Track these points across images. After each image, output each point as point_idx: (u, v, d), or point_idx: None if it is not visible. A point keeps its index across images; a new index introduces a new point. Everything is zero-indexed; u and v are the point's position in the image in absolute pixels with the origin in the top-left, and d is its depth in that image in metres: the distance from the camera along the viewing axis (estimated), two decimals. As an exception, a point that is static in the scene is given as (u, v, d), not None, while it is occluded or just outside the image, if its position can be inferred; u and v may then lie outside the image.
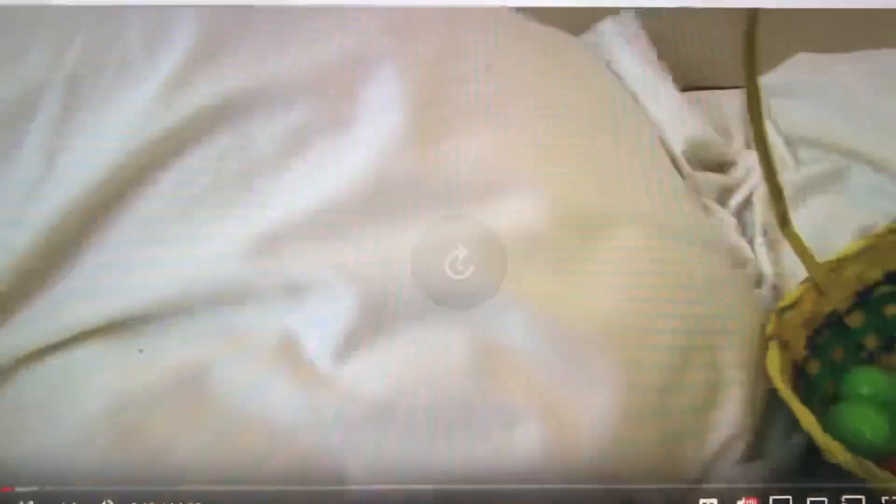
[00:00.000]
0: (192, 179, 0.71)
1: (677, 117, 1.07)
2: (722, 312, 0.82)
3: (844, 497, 0.70)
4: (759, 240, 1.00)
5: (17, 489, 0.59)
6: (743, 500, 0.70)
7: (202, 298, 0.66)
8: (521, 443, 0.63)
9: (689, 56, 1.46)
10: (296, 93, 0.73)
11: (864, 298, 0.96)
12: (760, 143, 0.81)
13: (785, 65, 1.34)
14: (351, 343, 0.64)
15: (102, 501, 0.59)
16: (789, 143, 1.18)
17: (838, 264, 0.95)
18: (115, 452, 0.61)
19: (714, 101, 1.27)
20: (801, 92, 1.25)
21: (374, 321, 0.65)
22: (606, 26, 1.22)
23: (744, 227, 1.06)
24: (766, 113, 1.24)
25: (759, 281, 0.99)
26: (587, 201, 0.77)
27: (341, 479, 0.60)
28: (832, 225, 1.03)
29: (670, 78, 1.18)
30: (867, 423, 0.79)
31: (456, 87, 0.79)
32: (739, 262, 0.98)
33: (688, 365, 0.75)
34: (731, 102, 1.27)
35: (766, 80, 1.28)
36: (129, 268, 0.67)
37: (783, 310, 0.88)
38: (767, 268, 0.99)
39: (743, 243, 1.01)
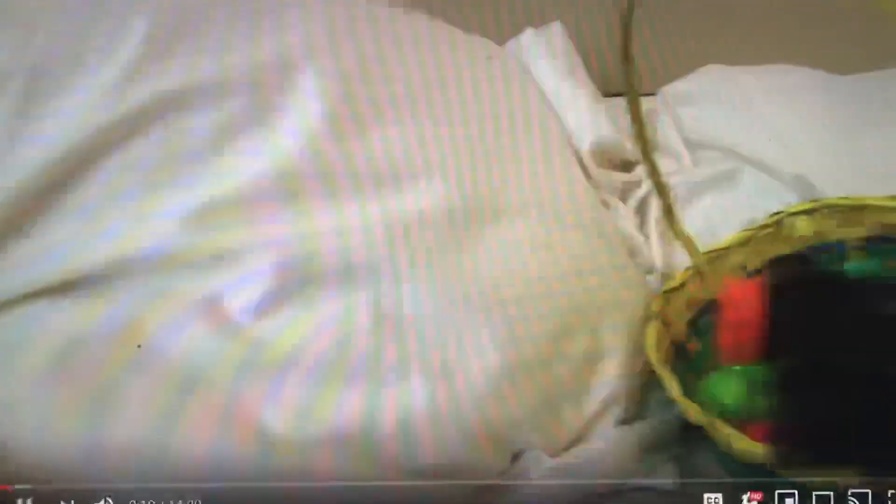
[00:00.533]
0: (136, 162, 0.81)
1: (587, 121, 1.17)
2: (605, 292, 0.93)
3: (851, 490, 0.73)
4: (652, 232, 1.11)
5: (16, 487, 0.66)
6: (748, 494, 0.73)
7: (141, 263, 0.76)
8: (411, 393, 0.73)
9: (614, 64, 1.56)
10: (229, 90, 0.83)
11: (742, 287, 1.07)
12: (642, 144, 0.92)
13: (695, 74, 1.45)
14: (267, 303, 0.74)
15: (101, 500, 0.65)
16: (690, 145, 1.29)
17: (720, 254, 1.06)
18: (63, 398, 0.70)
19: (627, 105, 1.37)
20: (704, 100, 1.36)
21: (287, 286, 0.74)
22: (527, 38, 1.32)
23: (643, 221, 1.16)
24: (672, 118, 1.37)
25: (650, 269, 1.09)
26: (486, 191, 0.87)
27: (258, 425, 0.70)
28: (722, 220, 1.14)
29: (589, 85, 1.27)
30: (728, 391, 0.89)
31: (375, 87, 0.89)
32: (633, 252, 1.09)
33: (568, 336, 0.86)
34: (645, 108, 1.38)
35: (675, 88, 1.40)
36: (79, 236, 0.77)
37: (667, 293, 1.00)
38: (658, 257, 1.09)
39: (637, 235, 1.11)
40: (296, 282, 0.75)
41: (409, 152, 0.85)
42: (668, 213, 0.99)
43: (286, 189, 0.78)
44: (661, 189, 0.96)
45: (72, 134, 0.76)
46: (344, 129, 0.83)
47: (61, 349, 0.70)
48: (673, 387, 0.83)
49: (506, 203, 0.89)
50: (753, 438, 0.81)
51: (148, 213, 0.77)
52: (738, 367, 0.92)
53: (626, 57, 0.80)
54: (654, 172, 0.94)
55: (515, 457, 0.85)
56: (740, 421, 0.86)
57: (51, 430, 0.66)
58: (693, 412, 0.81)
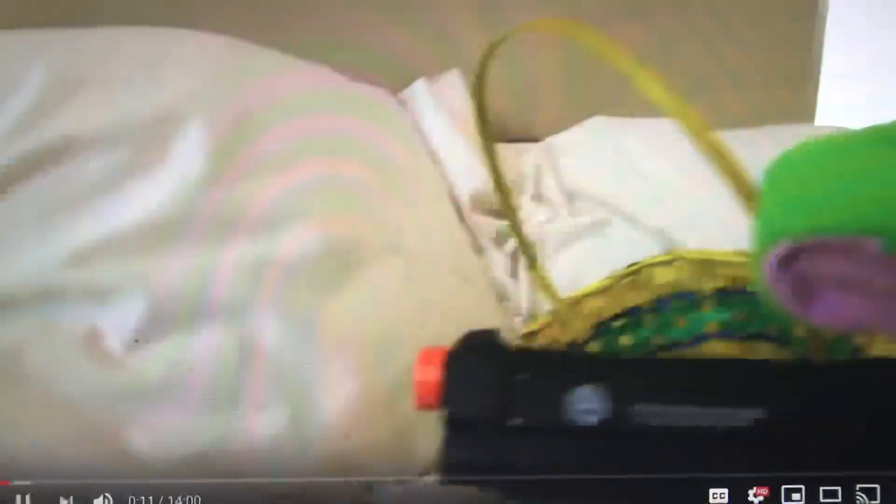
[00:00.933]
0: (27, 203, 0.88)
1: (465, 171, 1.27)
2: (462, 328, 1.02)
3: (859, 486, 0.73)
4: (521, 278, 1.21)
5: (15, 482, 0.68)
6: (754, 490, 0.73)
7: (26, 296, 0.84)
8: (269, 422, 0.82)
9: (506, 111, 1.66)
10: (117, 140, 0.90)
11: (602, 330, 1.17)
12: (503, 197, 1.01)
13: (581, 125, 1.56)
14: (140, 336, 0.83)
15: (100, 496, 0.68)
16: (568, 195, 1.39)
17: (579, 300, 1.16)
18: None
19: (516, 153, 1.48)
20: (585, 152, 1.47)
21: (159, 322, 0.82)
22: (419, 87, 1.42)
23: (515, 266, 1.26)
24: (554, 168, 1.47)
25: (518, 312, 1.19)
26: (354, 237, 0.96)
27: (125, 445, 0.78)
28: (591, 268, 1.23)
29: (471, 134, 1.37)
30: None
31: (255, 139, 0.96)
32: (503, 296, 1.19)
33: (423, 372, 0.94)
34: (530, 155, 1.48)
35: (560, 139, 1.50)
36: None
37: (527, 335, 1.09)
38: (525, 301, 1.19)
39: (508, 279, 1.21)
40: (167, 318, 0.82)
41: (282, 201, 0.92)
42: (531, 262, 1.09)
43: (162, 233, 0.85)
44: (520, 238, 1.05)
45: None
46: (221, 179, 0.90)
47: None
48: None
49: (372, 248, 0.97)
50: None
51: (35, 250, 0.84)
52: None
53: (482, 117, 0.88)
54: (512, 220, 1.03)
55: (370, 485, 0.93)
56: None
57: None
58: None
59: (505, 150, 1.38)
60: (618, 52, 0.61)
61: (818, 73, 2.05)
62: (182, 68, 1.00)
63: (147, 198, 0.87)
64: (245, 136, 0.96)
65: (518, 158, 1.47)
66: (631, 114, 1.65)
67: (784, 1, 1.85)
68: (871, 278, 0.46)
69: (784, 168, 0.48)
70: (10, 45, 0.97)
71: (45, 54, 0.95)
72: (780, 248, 0.45)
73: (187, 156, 0.90)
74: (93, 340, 0.81)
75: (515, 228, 1.00)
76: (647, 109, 1.40)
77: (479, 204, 1.24)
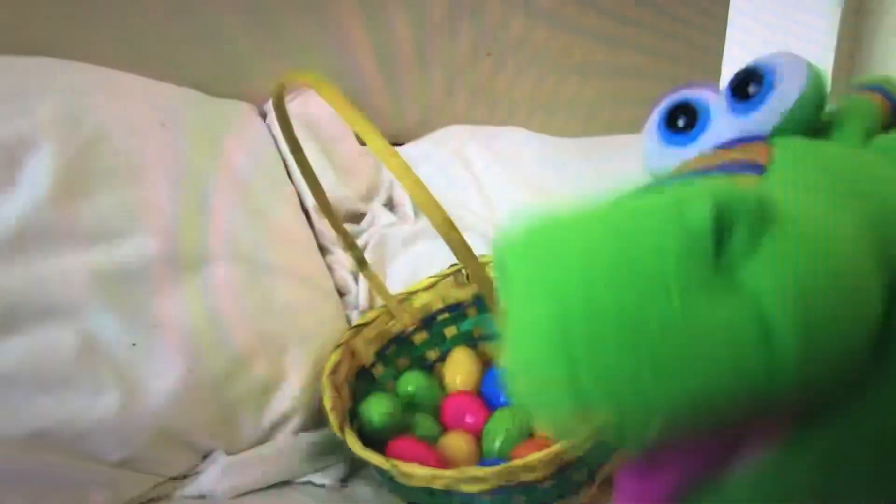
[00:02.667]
0: None
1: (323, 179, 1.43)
2: (293, 327, 1.19)
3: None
4: (360, 276, 1.38)
5: None
6: None
7: None
8: (104, 405, 0.98)
9: (383, 113, 1.82)
10: None
11: (429, 322, 1.35)
12: (324, 211, 1.18)
13: (436, 133, 1.74)
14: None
15: None
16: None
17: (408, 296, 1.34)
18: None
19: (375, 161, 1.65)
20: (434, 158, 1.65)
21: (9, 319, 0.98)
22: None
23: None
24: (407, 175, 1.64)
25: (356, 305, 1.37)
26: (190, 243, 1.12)
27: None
28: (428, 266, 1.42)
29: (323, 144, 1.54)
30: (375, 408, 1.15)
31: (102, 159, 1.11)
32: (344, 292, 1.37)
33: (248, 362, 1.11)
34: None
35: (414, 146, 1.68)
36: None
37: (357, 327, 1.27)
38: (363, 298, 1.37)
39: (349, 277, 1.39)
40: (16, 317, 0.97)
41: (124, 213, 1.08)
42: (361, 262, 1.27)
43: (10, 245, 1.00)
44: (348, 243, 1.24)
45: None
46: (70, 195, 1.05)
47: None
48: (333, 422, 1.07)
49: (210, 254, 1.13)
50: (396, 452, 1.07)
51: None
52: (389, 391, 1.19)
53: (294, 147, 1.06)
54: (338, 232, 1.21)
55: (206, 456, 1.11)
56: (382, 434, 1.13)
57: None
58: (351, 443, 1.04)
59: (368, 158, 1.56)
60: (348, 109, 0.80)
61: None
62: (37, 96, 1.13)
63: (0, 212, 1.01)
64: (93, 155, 1.11)
65: (377, 166, 1.64)
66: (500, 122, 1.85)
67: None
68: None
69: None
70: None
71: None
72: None
73: (36, 176, 1.05)
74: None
75: (339, 233, 1.18)
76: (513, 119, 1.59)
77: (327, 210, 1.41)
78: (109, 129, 1.16)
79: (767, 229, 0.39)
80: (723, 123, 0.58)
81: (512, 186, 1.56)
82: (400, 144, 1.75)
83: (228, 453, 1.09)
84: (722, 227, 0.38)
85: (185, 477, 1.07)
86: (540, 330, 0.41)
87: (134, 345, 1.00)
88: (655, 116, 0.61)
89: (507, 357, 0.43)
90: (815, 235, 0.40)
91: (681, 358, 0.38)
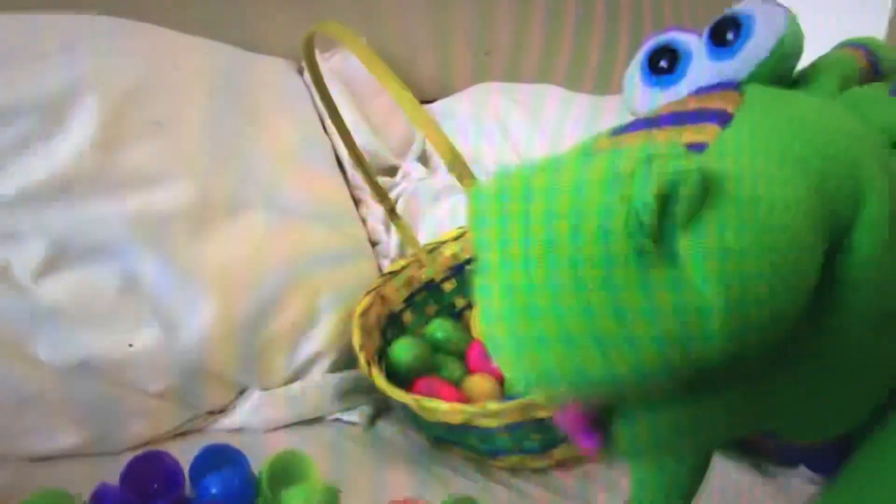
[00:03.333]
0: None
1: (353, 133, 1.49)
2: (326, 271, 1.26)
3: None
4: (392, 226, 1.44)
5: None
6: None
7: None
8: (145, 337, 1.06)
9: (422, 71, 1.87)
10: (21, 112, 1.12)
11: (458, 271, 1.41)
12: (357, 162, 1.24)
13: (468, 90, 1.79)
14: (43, 270, 1.07)
15: None
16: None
17: (437, 245, 1.40)
18: None
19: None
20: (465, 115, 1.70)
21: (58, 259, 1.05)
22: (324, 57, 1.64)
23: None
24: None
25: (387, 254, 1.43)
26: (227, 191, 1.19)
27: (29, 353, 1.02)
28: (459, 219, 1.48)
29: (357, 100, 1.60)
30: (403, 349, 1.22)
31: (144, 109, 1.18)
32: (376, 241, 1.43)
33: (283, 303, 1.18)
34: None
35: (445, 103, 1.73)
36: None
37: (387, 274, 1.33)
38: (394, 246, 1.43)
39: (380, 227, 1.45)
40: (64, 255, 1.05)
41: (163, 161, 1.15)
42: (391, 213, 1.33)
43: (59, 189, 1.07)
44: (379, 194, 1.30)
45: None
46: (112, 143, 1.12)
47: None
48: (361, 359, 1.14)
49: (244, 200, 1.20)
50: (420, 390, 1.13)
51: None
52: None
53: (325, 97, 1.12)
54: (371, 184, 1.27)
55: (241, 392, 1.18)
56: (413, 375, 1.19)
57: None
58: (377, 380, 1.11)
59: (402, 114, 1.61)
60: (372, 59, 0.86)
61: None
62: (80, 49, 1.20)
63: (48, 160, 1.09)
64: (134, 107, 1.18)
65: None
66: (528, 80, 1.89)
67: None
68: None
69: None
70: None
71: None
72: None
73: (81, 126, 1.12)
74: (5, 273, 1.04)
75: (372, 185, 1.24)
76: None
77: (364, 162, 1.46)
78: (148, 82, 1.22)
79: (705, 201, 0.43)
80: (701, 68, 0.61)
81: (537, 137, 1.61)
82: (432, 102, 1.78)
83: (262, 390, 1.15)
84: (663, 203, 0.41)
85: (220, 412, 1.14)
86: (494, 303, 0.45)
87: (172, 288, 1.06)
88: (640, 56, 0.65)
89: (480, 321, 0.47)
90: (750, 205, 0.43)
91: (625, 333, 0.42)
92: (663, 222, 0.42)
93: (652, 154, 0.42)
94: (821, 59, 0.64)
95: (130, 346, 1.04)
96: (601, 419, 0.47)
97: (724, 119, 0.52)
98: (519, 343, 0.44)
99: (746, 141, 0.50)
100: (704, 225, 0.42)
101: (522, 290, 0.43)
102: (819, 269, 0.45)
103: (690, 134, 0.51)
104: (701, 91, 0.58)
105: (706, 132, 0.51)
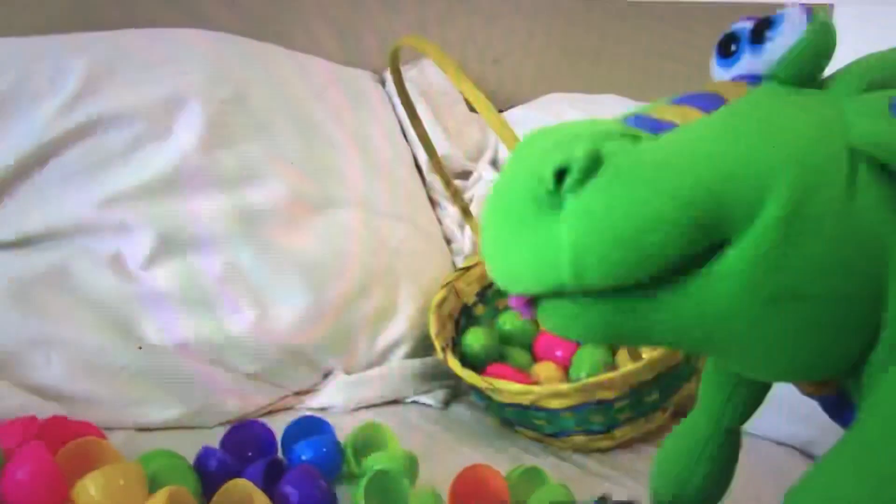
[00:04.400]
0: (72, 162, 1.20)
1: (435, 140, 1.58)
2: (406, 265, 1.36)
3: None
4: (466, 226, 1.55)
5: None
6: None
7: (70, 229, 1.18)
8: (241, 320, 1.18)
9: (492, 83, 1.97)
10: (137, 116, 1.23)
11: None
12: (439, 170, 1.34)
13: (537, 100, 1.88)
14: (151, 259, 1.18)
15: None
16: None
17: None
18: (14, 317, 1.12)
19: (484, 124, 1.81)
20: (529, 124, 1.76)
21: (164, 248, 1.17)
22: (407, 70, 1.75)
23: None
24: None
25: (461, 252, 1.54)
26: (318, 190, 1.31)
27: (139, 333, 1.15)
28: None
29: (435, 109, 1.71)
30: (475, 338, 1.33)
31: (243, 114, 1.30)
32: (450, 240, 1.54)
33: (366, 293, 1.30)
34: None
35: (516, 112, 1.83)
36: (26, 209, 1.19)
37: (461, 269, 1.43)
38: (467, 245, 1.54)
39: (454, 227, 1.55)
40: (170, 245, 1.18)
41: (259, 162, 1.27)
42: (465, 213, 1.44)
43: (168, 185, 1.20)
44: (454, 195, 1.40)
45: (24, 145, 1.18)
46: (215, 144, 1.25)
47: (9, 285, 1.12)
48: (437, 345, 1.24)
49: (333, 199, 1.33)
50: (492, 375, 1.22)
51: (77, 196, 1.19)
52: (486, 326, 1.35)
53: (409, 107, 1.23)
54: (447, 186, 1.38)
55: (326, 374, 1.31)
56: (484, 362, 1.29)
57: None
58: (452, 364, 1.21)
59: (476, 122, 1.72)
60: (454, 69, 0.98)
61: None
62: (187, 61, 1.33)
63: (157, 159, 1.22)
64: (234, 112, 1.30)
65: (484, 129, 1.81)
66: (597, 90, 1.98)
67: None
68: None
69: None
70: (59, 44, 1.30)
71: (85, 51, 1.28)
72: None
73: (187, 128, 1.25)
74: (117, 261, 1.17)
75: (448, 187, 1.34)
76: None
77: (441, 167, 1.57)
78: (247, 90, 1.35)
79: (595, 175, 0.56)
80: (745, 59, 0.69)
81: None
82: (502, 111, 1.88)
83: (346, 373, 1.27)
84: (561, 172, 0.55)
85: (307, 392, 1.26)
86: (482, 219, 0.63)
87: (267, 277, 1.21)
88: (717, 40, 0.72)
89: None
90: (623, 187, 0.55)
91: (516, 247, 0.58)
92: (563, 185, 0.55)
93: (577, 134, 0.57)
94: (855, 61, 0.68)
95: (139, 347, 1.14)
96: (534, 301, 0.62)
97: (715, 106, 0.62)
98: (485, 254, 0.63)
99: (697, 129, 0.60)
100: (586, 188, 0.55)
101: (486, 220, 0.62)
102: (673, 247, 0.56)
103: (673, 114, 0.62)
104: (734, 79, 0.67)
105: (687, 115, 0.62)
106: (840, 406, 0.69)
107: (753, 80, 0.66)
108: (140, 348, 1.12)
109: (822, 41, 0.64)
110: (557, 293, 0.58)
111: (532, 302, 0.61)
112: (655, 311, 0.58)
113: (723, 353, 0.65)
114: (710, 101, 0.63)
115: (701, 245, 0.56)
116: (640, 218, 0.55)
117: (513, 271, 0.60)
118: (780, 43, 0.64)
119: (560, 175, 0.55)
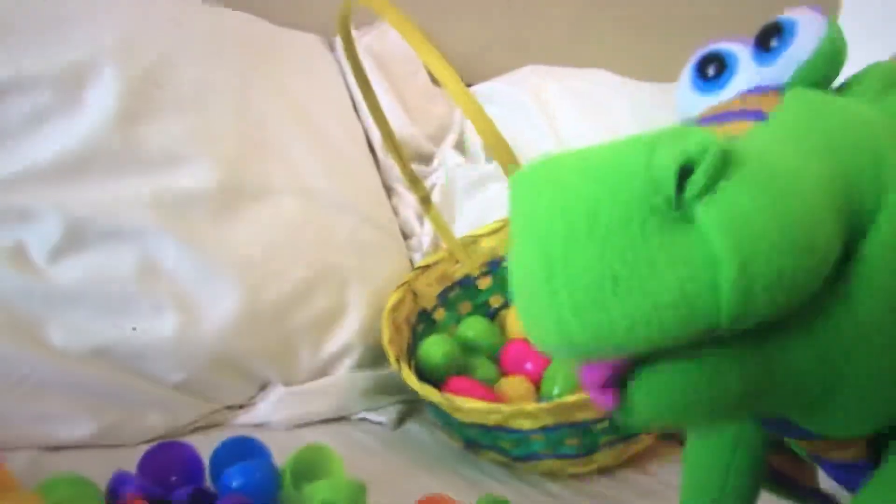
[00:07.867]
0: None
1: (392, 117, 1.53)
2: (355, 263, 1.32)
3: None
4: (426, 218, 1.51)
5: None
6: None
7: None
8: (162, 323, 1.14)
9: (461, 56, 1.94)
10: (39, 85, 1.19)
11: (495, 267, 1.47)
12: (395, 153, 1.30)
13: (511, 74, 1.84)
14: (57, 252, 1.13)
15: None
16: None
17: (474, 239, 1.46)
18: None
19: (448, 101, 1.77)
20: (509, 100, 1.76)
21: (73, 240, 1.13)
22: (360, 37, 1.70)
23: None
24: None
25: (419, 247, 1.51)
26: (252, 176, 1.26)
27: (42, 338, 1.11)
28: (496, 210, 1.55)
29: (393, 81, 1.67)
30: (434, 347, 1.29)
31: (165, 86, 1.26)
32: (408, 233, 1.50)
33: (309, 294, 1.26)
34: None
35: (487, 86, 1.80)
36: None
37: (420, 268, 1.40)
38: (426, 239, 1.50)
39: (413, 219, 1.52)
40: (81, 236, 1.13)
41: (186, 141, 1.23)
42: (425, 203, 1.40)
43: (77, 166, 1.15)
44: (413, 183, 1.37)
45: None
46: (131, 120, 1.20)
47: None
48: (390, 355, 1.20)
49: (271, 186, 1.28)
50: (452, 390, 1.19)
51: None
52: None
53: (359, 74, 1.19)
54: (404, 171, 1.34)
55: (262, 387, 1.27)
56: (440, 373, 1.26)
57: None
58: (407, 377, 1.17)
59: (440, 98, 1.69)
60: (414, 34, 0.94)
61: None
62: (102, 19, 1.28)
63: (65, 135, 1.17)
64: (156, 80, 1.25)
65: (449, 106, 1.77)
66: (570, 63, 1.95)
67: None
68: None
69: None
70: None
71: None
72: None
73: (100, 100, 1.20)
74: (18, 253, 1.12)
75: (405, 172, 1.31)
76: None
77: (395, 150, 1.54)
78: (173, 55, 1.30)
79: (726, 174, 0.49)
80: (747, 73, 0.68)
81: (586, 126, 1.68)
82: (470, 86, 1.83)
83: (285, 385, 1.23)
84: (685, 171, 0.47)
85: (240, 406, 1.22)
86: (527, 263, 0.50)
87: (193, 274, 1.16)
88: (689, 66, 0.73)
89: (512, 284, 0.53)
90: (769, 175, 0.50)
91: (640, 284, 0.47)
92: (684, 190, 0.48)
93: (677, 132, 0.49)
94: (868, 66, 0.69)
95: (134, 328, 1.11)
96: (619, 379, 0.53)
97: (760, 117, 0.61)
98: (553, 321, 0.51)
99: (776, 131, 0.58)
100: (722, 190, 0.48)
101: (559, 254, 0.49)
102: (835, 247, 0.52)
103: (725, 130, 0.60)
104: (746, 93, 0.66)
105: (741, 127, 0.60)
106: (861, 470, 0.66)
107: (760, 91, 0.65)
108: (134, 328, 1.11)
109: (843, 44, 0.65)
110: (689, 343, 0.51)
111: (615, 378, 0.54)
112: (783, 351, 0.54)
113: (829, 401, 0.59)
114: (750, 115, 0.62)
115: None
116: (801, 213, 0.50)
117: (620, 324, 0.48)
118: (798, 47, 0.65)
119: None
